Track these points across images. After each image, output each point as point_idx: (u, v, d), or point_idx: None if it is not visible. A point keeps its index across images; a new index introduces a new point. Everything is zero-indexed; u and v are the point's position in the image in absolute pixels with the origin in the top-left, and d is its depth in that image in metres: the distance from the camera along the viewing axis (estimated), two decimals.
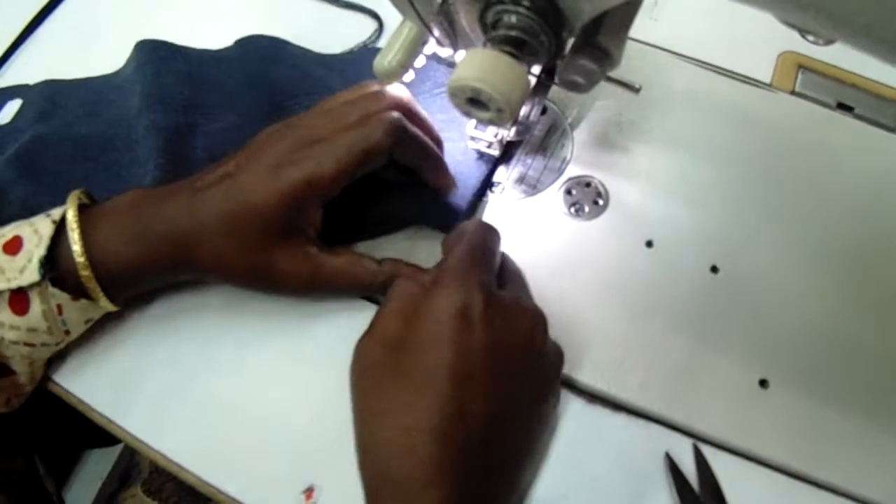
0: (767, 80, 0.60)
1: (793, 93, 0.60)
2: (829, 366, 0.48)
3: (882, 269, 0.51)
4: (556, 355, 0.44)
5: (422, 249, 0.51)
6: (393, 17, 0.44)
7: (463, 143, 0.54)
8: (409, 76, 0.46)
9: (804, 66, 0.62)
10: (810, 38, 0.63)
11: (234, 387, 0.48)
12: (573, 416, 0.46)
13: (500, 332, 0.39)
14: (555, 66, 0.47)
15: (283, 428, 0.46)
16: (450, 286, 0.39)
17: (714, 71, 0.61)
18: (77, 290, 0.43)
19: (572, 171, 0.55)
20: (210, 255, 0.45)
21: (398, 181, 0.51)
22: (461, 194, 0.52)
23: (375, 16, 0.65)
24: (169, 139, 0.52)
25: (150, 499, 0.70)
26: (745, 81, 0.60)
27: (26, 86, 0.61)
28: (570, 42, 0.40)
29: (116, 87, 0.59)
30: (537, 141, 0.56)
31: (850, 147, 0.57)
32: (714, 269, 0.51)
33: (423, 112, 0.49)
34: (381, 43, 0.62)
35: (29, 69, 0.63)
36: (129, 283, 0.46)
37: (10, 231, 0.43)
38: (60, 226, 0.43)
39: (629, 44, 0.41)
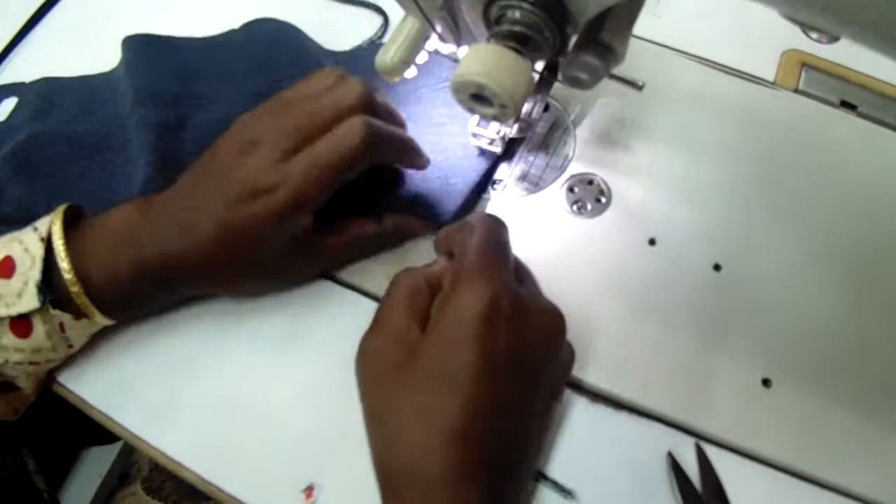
0: (771, 79, 0.60)
1: (796, 91, 0.60)
2: (832, 365, 0.47)
3: (885, 268, 0.51)
4: (570, 354, 0.44)
5: (423, 248, 0.51)
6: (399, 14, 0.44)
7: (464, 138, 0.54)
8: (412, 72, 0.46)
9: (808, 65, 0.61)
10: (814, 36, 0.63)
11: (234, 385, 0.47)
12: (576, 414, 0.46)
13: (524, 332, 0.38)
14: (557, 62, 0.46)
15: (284, 426, 0.46)
16: (474, 285, 0.38)
17: (717, 69, 0.60)
18: (77, 310, 0.43)
19: (575, 168, 0.55)
20: (208, 277, 0.46)
21: (392, 175, 0.51)
22: (458, 189, 0.52)
23: (381, 11, 0.65)
24: (159, 135, 0.52)
25: (150, 497, 0.69)
26: (748, 79, 0.60)
27: (22, 84, 0.60)
28: (574, 39, 0.40)
29: (112, 85, 0.59)
30: (539, 138, 0.56)
31: (854, 145, 0.57)
32: (717, 268, 0.51)
33: (381, 98, 0.48)
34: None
35: (26, 67, 0.63)
36: (125, 304, 0.46)
37: None
38: (51, 244, 0.42)
39: (632, 41, 0.40)
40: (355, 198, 0.48)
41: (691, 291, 0.50)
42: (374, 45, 0.62)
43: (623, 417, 0.46)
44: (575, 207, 0.53)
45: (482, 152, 0.54)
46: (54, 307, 0.42)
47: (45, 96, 0.59)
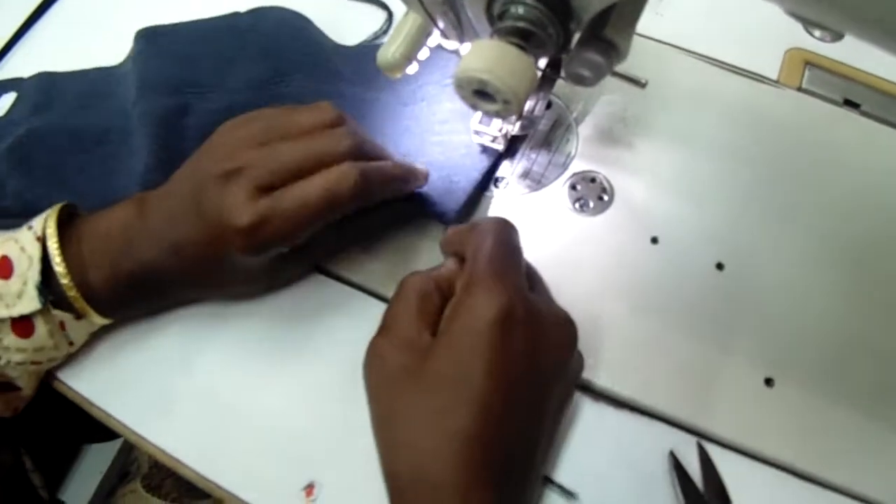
0: (774, 77, 0.60)
1: (800, 89, 0.60)
2: (835, 365, 0.47)
3: (889, 267, 0.51)
4: (580, 361, 0.44)
5: (424, 246, 0.51)
6: (403, 9, 0.44)
7: (468, 135, 0.53)
8: (413, 68, 0.46)
9: (811, 63, 0.61)
10: (817, 34, 0.63)
11: (234, 382, 0.47)
12: (577, 412, 0.46)
13: (537, 339, 0.38)
14: (560, 59, 0.46)
15: (284, 424, 0.46)
16: (488, 290, 0.38)
17: (720, 67, 0.60)
18: (77, 311, 0.43)
19: (577, 166, 0.55)
20: (197, 289, 0.48)
21: None
22: (461, 187, 0.51)
23: (385, 7, 0.64)
24: (160, 123, 0.52)
25: (150, 494, 0.69)
26: (751, 78, 0.60)
27: (21, 79, 0.60)
28: (577, 36, 0.40)
29: (113, 79, 0.59)
30: (542, 136, 0.56)
31: (857, 144, 0.56)
32: (720, 267, 0.50)
33: (372, 142, 0.48)
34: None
35: (27, 65, 0.62)
36: (122, 305, 0.46)
37: None
38: (46, 244, 0.42)
39: (635, 39, 0.40)
40: None
41: (694, 290, 0.50)
42: (378, 41, 0.62)
43: (625, 416, 0.46)
44: (577, 205, 0.53)
45: (484, 149, 0.53)
46: (55, 307, 0.42)
47: (44, 91, 0.58)
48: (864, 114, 0.58)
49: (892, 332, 0.48)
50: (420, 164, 0.50)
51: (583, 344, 0.46)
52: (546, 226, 0.52)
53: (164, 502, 0.69)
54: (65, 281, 0.42)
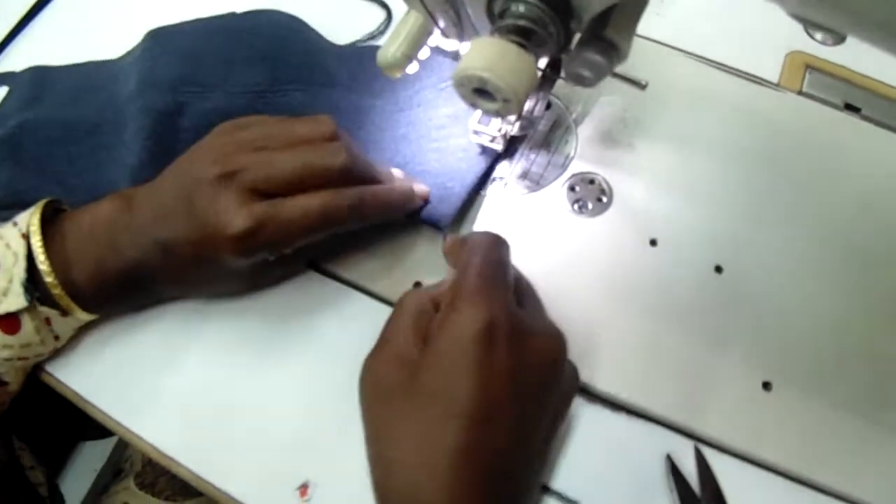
0: (775, 80, 0.60)
1: (800, 93, 0.60)
2: (833, 369, 0.47)
3: (888, 272, 0.51)
4: (573, 374, 0.44)
5: (418, 243, 0.51)
6: (403, 8, 0.43)
7: (465, 139, 0.53)
8: (413, 67, 0.46)
9: (812, 66, 0.61)
10: (818, 37, 0.63)
11: (229, 381, 0.47)
12: (574, 415, 0.46)
13: (523, 354, 0.38)
14: (560, 60, 0.46)
15: (278, 422, 0.46)
16: (473, 305, 0.38)
17: (721, 69, 0.60)
18: (62, 307, 0.43)
19: (576, 167, 0.54)
20: (183, 287, 0.48)
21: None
22: (455, 192, 0.51)
23: (385, 6, 0.64)
24: (157, 119, 0.52)
25: (143, 492, 0.69)
26: (752, 80, 0.60)
27: (13, 73, 0.60)
28: (578, 37, 0.39)
29: (106, 73, 0.59)
30: (541, 136, 0.56)
31: (858, 148, 0.56)
32: (718, 269, 0.50)
33: (365, 160, 0.47)
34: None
35: (23, 61, 0.62)
36: (106, 301, 0.46)
37: None
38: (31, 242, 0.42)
39: (636, 40, 0.40)
40: None
41: (692, 293, 0.49)
42: (375, 40, 0.62)
43: (621, 419, 0.46)
44: (576, 206, 0.53)
45: (483, 150, 0.53)
46: (41, 304, 0.42)
47: (36, 84, 0.58)
48: (865, 118, 0.58)
49: (890, 337, 0.48)
50: (418, 185, 0.50)
51: (580, 346, 0.46)
52: (544, 227, 0.52)
53: (157, 500, 0.68)
54: (49, 279, 0.42)
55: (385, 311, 0.42)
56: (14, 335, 0.42)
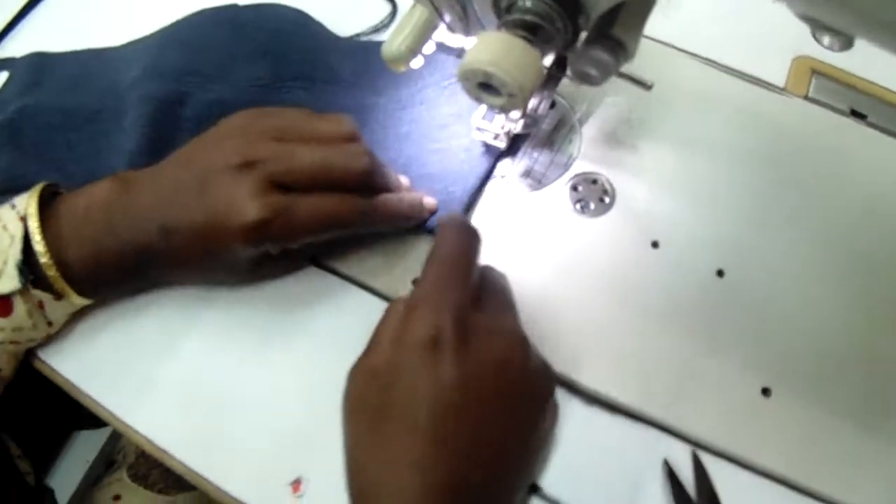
0: (781, 84, 0.60)
1: (806, 98, 0.59)
2: (834, 376, 0.47)
3: (891, 279, 0.50)
4: (544, 374, 0.42)
5: (418, 238, 0.51)
6: (408, 1, 0.43)
7: (467, 139, 0.53)
8: (418, 62, 0.45)
9: (818, 72, 0.61)
10: (825, 42, 0.62)
11: (225, 373, 0.47)
12: (570, 417, 0.45)
13: (474, 357, 0.37)
14: (565, 58, 0.46)
15: (274, 418, 0.45)
16: (420, 313, 0.38)
17: (727, 72, 0.60)
18: (57, 291, 0.43)
19: (579, 167, 0.54)
20: (181, 273, 0.47)
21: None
22: (458, 197, 0.51)
23: None
24: (158, 107, 0.52)
25: (136, 484, 0.69)
26: (758, 84, 0.59)
27: (13, 59, 0.60)
28: (584, 35, 0.39)
29: (107, 61, 0.59)
30: (544, 135, 0.55)
31: (863, 155, 0.56)
32: (720, 273, 0.50)
33: (384, 168, 0.48)
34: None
35: (24, 49, 0.61)
36: (101, 285, 0.45)
37: None
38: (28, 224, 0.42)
39: (642, 41, 0.40)
40: None
41: (693, 296, 0.49)
42: (377, 35, 0.62)
43: (618, 421, 0.45)
44: (578, 206, 0.52)
45: (486, 148, 0.53)
46: (34, 287, 0.42)
47: (35, 70, 0.58)
48: (871, 125, 0.58)
49: (893, 345, 0.48)
50: (427, 198, 0.50)
51: (578, 346, 0.46)
52: (545, 226, 0.51)
53: (150, 493, 0.68)
54: (44, 260, 0.41)
55: (384, 308, 0.42)
56: (6, 318, 0.42)
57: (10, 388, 0.47)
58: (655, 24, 0.44)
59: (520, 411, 0.39)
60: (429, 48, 0.45)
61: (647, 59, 0.45)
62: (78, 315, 0.47)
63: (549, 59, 0.47)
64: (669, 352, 0.47)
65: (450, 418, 0.36)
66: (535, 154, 0.55)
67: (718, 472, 0.44)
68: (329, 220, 0.44)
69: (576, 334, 0.47)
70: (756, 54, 0.61)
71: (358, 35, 0.61)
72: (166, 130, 0.52)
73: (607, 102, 0.57)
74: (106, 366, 0.47)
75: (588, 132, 0.56)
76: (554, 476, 0.43)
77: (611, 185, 0.53)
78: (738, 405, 0.45)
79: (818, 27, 0.33)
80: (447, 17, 0.41)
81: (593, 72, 0.40)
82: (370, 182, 0.46)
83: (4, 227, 0.42)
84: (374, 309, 0.48)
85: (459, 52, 0.54)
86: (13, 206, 0.43)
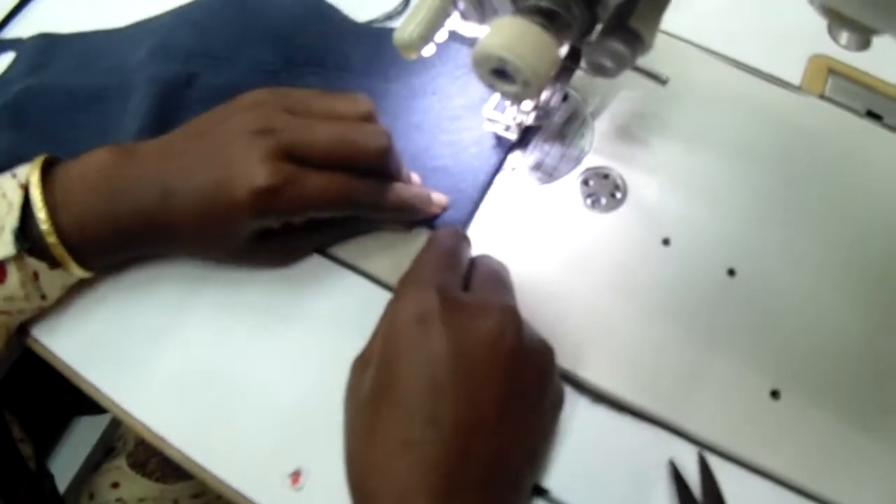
0: (797, 83, 0.59)
1: (822, 97, 0.58)
2: (845, 380, 0.46)
3: None
4: (542, 351, 0.41)
5: (424, 234, 0.50)
6: None
7: (478, 131, 0.53)
8: (430, 50, 0.44)
9: (834, 71, 0.60)
10: (842, 42, 0.61)
11: (225, 360, 0.46)
12: (575, 414, 0.45)
13: (462, 333, 0.37)
14: (579, 50, 0.45)
15: (272, 409, 0.45)
16: (406, 292, 0.39)
17: (742, 69, 0.59)
18: (53, 260, 0.43)
19: (591, 161, 0.53)
20: (179, 244, 0.46)
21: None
22: (469, 195, 0.51)
23: None
24: (165, 89, 0.52)
25: (134, 472, 0.68)
26: (773, 82, 0.58)
27: (20, 39, 0.60)
28: (598, 29, 0.38)
29: (115, 42, 0.59)
30: (556, 128, 0.55)
31: (878, 157, 0.55)
32: (731, 273, 0.49)
33: (397, 155, 0.47)
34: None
35: (33, 30, 0.61)
36: (99, 253, 0.45)
37: None
38: (29, 192, 0.42)
39: (658, 35, 0.39)
40: None
41: (703, 295, 0.48)
42: (390, 22, 0.61)
43: (625, 420, 0.45)
44: (589, 201, 0.52)
45: (497, 140, 0.52)
46: (30, 255, 0.41)
47: (42, 51, 0.58)
48: (887, 126, 0.57)
49: None
50: (436, 194, 0.50)
51: (585, 342, 0.46)
52: (555, 220, 0.51)
53: (148, 481, 0.68)
54: (45, 227, 0.41)
55: (386, 297, 0.42)
56: None
57: (12, 372, 0.46)
58: (671, 19, 0.44)
59: (516, 387, 0.38)
60: (441, 36, 0.45)
61: (662, 54, 0.45)
62: (74, 293, 0.47)
63: (563, 51, 0.47)
64: (678, 351, 0.46)
65: (442, 394, 0.35)
66: (547, 147, 0.54)
67: (725, 474, 0.43)
68: (338, 197, 0.43)
69: (583, 331, 0.46)
70: (772, 52, 0.60)
71: (371, 22, 0.61)
72: (172, 112, 0.51)
73: (621, 97, 0.56)
74: (102, 347, 0.47)
75: (600, 126, 0.55)
76: (557, 474, 0.43)
77: (622, 180, 0.53)
78: (746, 407, 0.45)
79: (838, 21, 0.32)
80: (461, 5, 0.41)
81: (609, 64, 0.40)
82: (385, 164, 0.45)
83: (3, 195, 0.41)
84: (375, 296, 0.48)
85: (472, 42, 0.53)
86: (14, 175, 0.42)
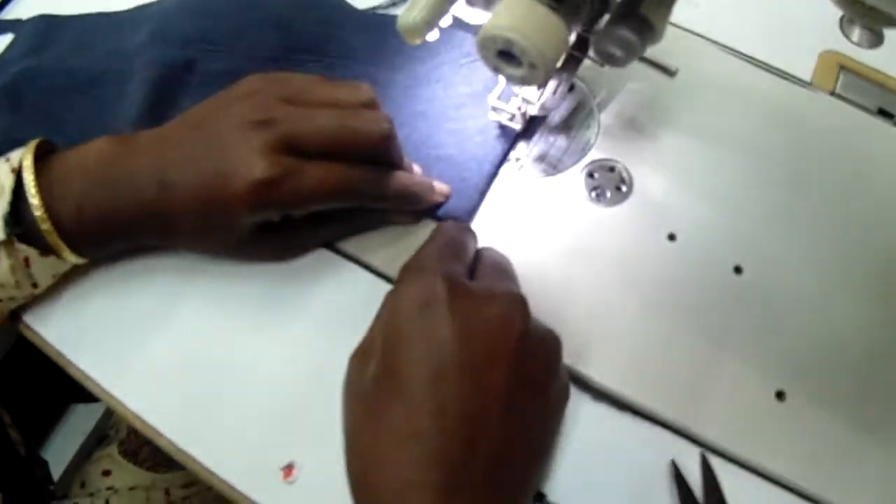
0: (807, 79, 0.58)
1: (833, 94, 0.58)
2: (851, 382, 0.45)
3: None
4: (549, 340, 0.40)
5: (425, 226, 0.49)
6: None
7: (483, 119, 0.52)
8: (434, 35, 0.44)
9: (846, 67, 0.59)
10: (854, 38, 0.61)
11: (216, 351, 0.45)
12: (576, 412, 0.44)
13: (469, 320, 0.36)
14: (587, 39, 0.44)
15: (266, 400, 0.44)
16: (410, 279, 0.38)
17: (753, 63, 0.58)
18: (45, 246, 0.42)
19: (596, 153, 0.53)
20: (174, 237, 0.45)
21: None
22: (475, 185, 0.50)
23: None
24: (163, 74, 0.52)
25: (126, 460, 0.68)
26: (783, 77, 0.58)
27: (19, 20, 0.59)
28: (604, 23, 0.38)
29: (114, 24, 0.58)
30: (562, 119, 0.54)
31: (890, 156, 0.54)
32: (738, 270, 0.48)
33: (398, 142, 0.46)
34: None
35: (32, 11, 0.61)
36: (95, 243, 0.44)
37: None
38: (21, 177, 0.41)
39: (667, 28, 0.38)
40: None
41: (709, 293, 0.47)
42: (394, 9, 0.60)
43: (626, 419, 0.44)
44: (593, 194, 0.51)
45: (502, 129, 0.52)
46: (20, 241, 0.41)
47: (41, 33, 0.58)
48: None
49: None
50: (438, 183, 0.49)
51: (588, 339, 0.45)
52: (559, 213, 0.50)
53: (139, 470, 0.68)
54: (38, 213, 0.40)
55: (384, 288, 0.41)
56: None
57: (6, 358, 0.46)
58: (681, 11, 0.43)
59: (523, 376, 0.37)
60: (446, 21, 0.44)
61: (670, 46, 0.44)
62: (67, 281, 0.46)
63: (570, 39, 0.46)
64: (682, 349, 0.45)
65: (448, 382, 0.35)
66: (552, 138, 0.53)
67: (727, 476, 0.42)
68: (339, 188, 0.42)
69: (585, 327, 0.45)
70: (782, 47, 0.59)
71: (375, 8, 0.60)
72: (170, 96, 0.51)
73: (628, 88, 0.55)
74: (94, 335, 0.46)
75: (607, 118, 0.54)
76: (554, 475, 0.42)
77: (628, 173, 0.52)
78: (751, 408, 0.44)
79: (855, 10, 0.31)
80: None
81: (617, 52, 0.39)
82: (387, 151, 0.45)
83: None
84: (373, 288, 0.47)
85: (477, 30, 0.53)
86: (7, 160, 0.42)
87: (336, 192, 0.43)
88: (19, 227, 0.40)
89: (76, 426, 0.96)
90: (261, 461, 0.42)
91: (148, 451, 0.69)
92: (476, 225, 0.49)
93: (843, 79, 0.58)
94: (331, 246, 0.49)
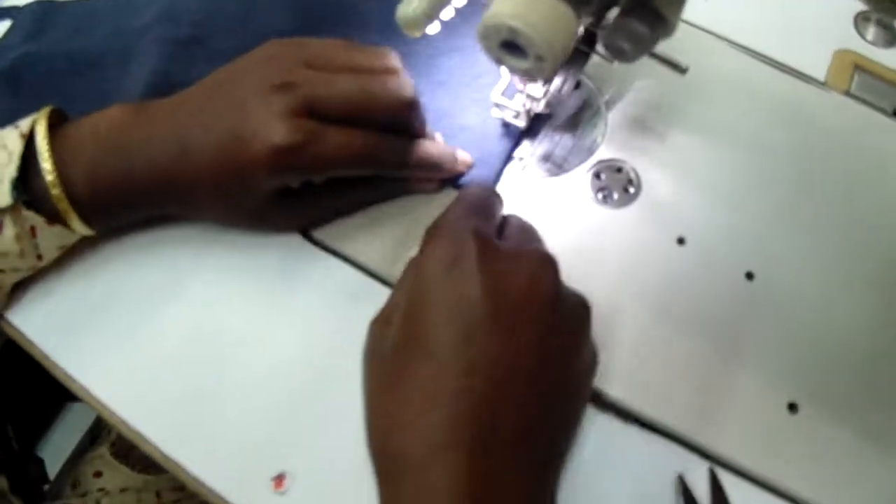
0: (821, 78, 0.57)
1: (847, 94, 0.56)
2: (866, 394, 0.44)
3: None
4: (579, 303, 0.39)
5: (417, 225, 0.47)
6: None
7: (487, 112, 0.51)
8: (434, 28, 0.42)
9: (861, 67, 0.58)
10: (869, 37, 0.60)
11: (206, 357, 0.44)
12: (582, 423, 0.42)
13: (498, 278, 0.35)
14: (594, 34, 0.43)
15: (256, 407, 0.43)
16: (437, 238, 0.38)
17: (766, 62, 0.57)
18: (52, 214, 0.41)
19: (603, 153, 0.51)
20: (191, 202, 0.44)
21: None
22: (497, 153, 0.50)
23: None
24: (170, 51, 0.52)
25: (117, 461, 0.68)
26: (797, 76, 0.57)
27: (17, 7, 0.59)
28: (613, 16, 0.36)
29: (113, 8, 0.58)
30: (568, 117, 0.53)
31: None
32: (749, 276, 0.47)
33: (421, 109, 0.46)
34: None
35: None
36: (105, 211, 0.43)
37: None
38: (32, 142, 0.40)
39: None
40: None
41: (719, 299, 0.46)
42: None
43: (632, 431, 0.43)
44: (600, 195, 0.50)
45: (506, 126, 0.51)
46: (27, 208, 0.40)
47: (40, 18, 0.57)
48: None
49: None
50: (461, 152, 0.49)
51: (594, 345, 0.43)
52: (564, 214, 0.49)
53: (130, 471, 0.67)
54: (50, 178, 0.40)
55: (378, 287, 0.41)
56: None
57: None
58: (692, 8, 0.42)
59: (553, 336, 0.36)
60: (448, 13, 0.42)
61: (681, 42, 0.43)
62: (51, 275, 0.45)
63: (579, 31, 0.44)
64: (691, 358, 0.44)
65: (475, 342, 0.34)
66: (557, 137, 0.52)
67: (737, 491, 0.41)
68: (360, 153, 0.42)
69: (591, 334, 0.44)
70: (796, 45, 0.58)
71: None
72: (179, 70, 0.51)
73: (637, 86, 0.54)
74: (78, 333, 0.45)
75: (614, 117, 0.53)
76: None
77: (636, 174, 0.51)
78: (762, 420, 0.43)
79: (875, 5, 0.30)
80: None
81: (627, 46, 0.37)
82: (410, 118, 0.44)
83: (4, 146, 0.40)
84: (370, 290, 0.46)
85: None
86: (17, 127, 0.41)
87: (357, 158, 0.42)
88: (27, 193, 0.40)
89: (72, 425, 0.95)
90: (251, 470, 0.40)
91: (139, 453, 0.67)
92: None
93: (858, 79, 0.58)
94: (323, 245, 0.48)
